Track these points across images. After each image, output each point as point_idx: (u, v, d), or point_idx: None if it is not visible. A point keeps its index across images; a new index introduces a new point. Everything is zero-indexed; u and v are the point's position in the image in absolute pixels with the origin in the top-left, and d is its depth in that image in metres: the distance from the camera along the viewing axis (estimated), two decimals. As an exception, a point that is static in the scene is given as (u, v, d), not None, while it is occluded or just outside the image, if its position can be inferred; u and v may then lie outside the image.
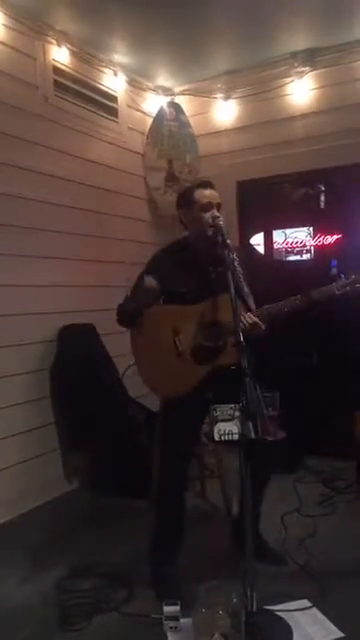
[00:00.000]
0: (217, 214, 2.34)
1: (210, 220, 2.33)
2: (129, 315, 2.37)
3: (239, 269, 2.28)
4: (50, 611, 2.22)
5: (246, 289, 2.28)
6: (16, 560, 2.67)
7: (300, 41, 3.82)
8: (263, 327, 2.26)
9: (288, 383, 3.75)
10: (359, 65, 3.81)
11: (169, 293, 2.39)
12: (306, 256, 4.29)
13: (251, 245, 4.45)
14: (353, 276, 2.23)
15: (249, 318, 2.23)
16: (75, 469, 3.61)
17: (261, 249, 4.45)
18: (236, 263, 2.18)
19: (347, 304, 2.31)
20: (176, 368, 2.34)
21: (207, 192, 2.38)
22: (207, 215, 2.33)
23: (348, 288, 2.20)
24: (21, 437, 3.27)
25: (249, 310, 2.27)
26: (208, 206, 2.34)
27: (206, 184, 2.42)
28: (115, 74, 4.04)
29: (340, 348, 3.86)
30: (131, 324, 2.40)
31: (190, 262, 2.39)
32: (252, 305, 2.30)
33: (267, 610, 2.03)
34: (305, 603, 2.15)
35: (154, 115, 4.41)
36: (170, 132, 4.39)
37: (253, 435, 1.83)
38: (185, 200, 2.44)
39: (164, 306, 2.43)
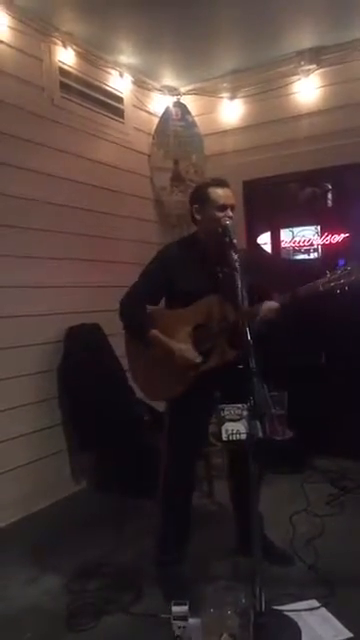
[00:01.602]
0: (230, 214, 2.34)
1: (222, 220, 2.32)
2: (137, 335, 2.42)
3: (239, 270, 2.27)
4: (58, 611, 2.22)
5: (243, 291, 2.27)
6: (24, 560, 2.68)
7: (306, 39, 3.81)
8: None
9: (296, 383, 3.77)
10: (365, 63, 3.80)
11: (174, 291, 2.39)
12: (313, 255, 4.28)
13: (259, 245, 4.45)
14: (338, 272, 2.22)
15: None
16: (83, 469, 3.62)
17: (268, 248, 4.44)
18: (237, 264, 2.18)
19: (354, 304, 2.29)
20: (164, 374, 2.35)
21: (222, 192, 2.36)
22: (220, 215, 2.32)
23: (333, 284, 2.19)
24: (29, 438, 3.28)
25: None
26: (222, 207, 2.33)
27: (222, 183, 2.40)
28: (121, 75, 4.05)
29: (348, 347, 3.84)
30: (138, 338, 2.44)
31: (198, 260, 2.39)
32: (245, 307, 2.28)
33: (276, 610, 2.03)
34: (313, 603, 2.15)
35: (160, 115, 4.42)
36: (176, 132, 4.40)
37: (261, 434, 1.83)
38: (199, 197, 2.41)
39: (157, 311, 2.44)
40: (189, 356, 2.30)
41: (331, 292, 2.18)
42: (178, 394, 2.33)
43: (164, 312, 2.46)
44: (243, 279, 2.15)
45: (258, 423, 1.85)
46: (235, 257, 2.17)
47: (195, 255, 2.40)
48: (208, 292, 2.33)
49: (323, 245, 4.23)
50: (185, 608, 1.94)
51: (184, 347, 2.31)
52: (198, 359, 2.30)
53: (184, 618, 1.94)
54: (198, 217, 2.41)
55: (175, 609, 1.95)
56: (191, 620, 1.94)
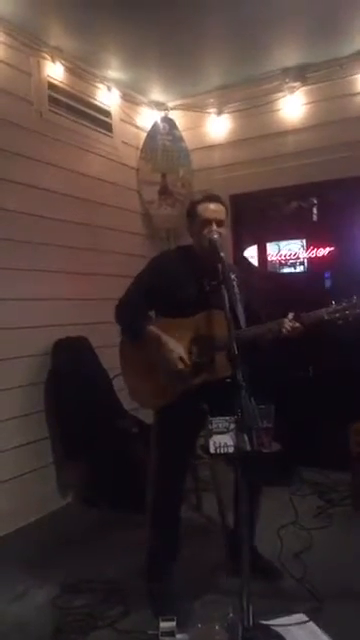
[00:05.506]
0: (215, 228, 2.37)
1: (207, 234, 2.35)
2: (134, 333, 2.42)
3: (236, 289, 2.29)
4: (45, 628, 2.19)
5: (240, 308, 2.30)
6: (11, 576, 2.64)
7: (291, 57, 3.87)
8: None
9: (284, 395, 3.77)
10: (349, 81, 3.88)
11: (165, 298, 2.40)
12: (300, 268, 4.33)
13: (245, 258, 4.49)
14: (344, 303, 2.26)
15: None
16: (70, 483, 3.59)
17: (255, 261, 4.48)
18: (234, 283, 2.21)
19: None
20: (159, 382, 2.35)
21: (211, 206, 2.41)
22: (205, 230, 2.37)
23: (337, 314, 2.23)
24: (16, 452, 3.25)
25: (238, 328, 2.27)
26: (205, 221, 2.38)
27: (212, 198, 2.45)
28: (109, 89, 4.08)
29: (335, 360, 3.87)
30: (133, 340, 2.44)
31: (190, 271, 2.42)
32: (242, 325, 2.31)
33: (264, 625, 2.02)
34: (302, 617, 2.13)
35: (148, 130, 4.45)
36: (164, 146, 4.44)
37: (248, 447, 1.83)
38: (189, 212, 2.49)
39: (157, 320, 2.44)
40: (174, 360, 2.29)
41: (334, 322, 2.22)
42: (171, 402, 2.32)
43: (164, 321, 2.45)
44: (240, 295, 2.18)
45: (245, 436, 1.85)
46: (233, 276, 2.21)
47: (188, 265, 2.44)
48: (194, 303, 2.36)
49: (309, 259, 4.28)
50: (173, 624, 1.93)
51: (176, 350, 2.30)
52: (180, 365, 2.29)
53: (172, 634, 1.92)
54: (189, 231, 2.49)
55: (163, 625, 1.94)
56: (179, 636, 1.92)
